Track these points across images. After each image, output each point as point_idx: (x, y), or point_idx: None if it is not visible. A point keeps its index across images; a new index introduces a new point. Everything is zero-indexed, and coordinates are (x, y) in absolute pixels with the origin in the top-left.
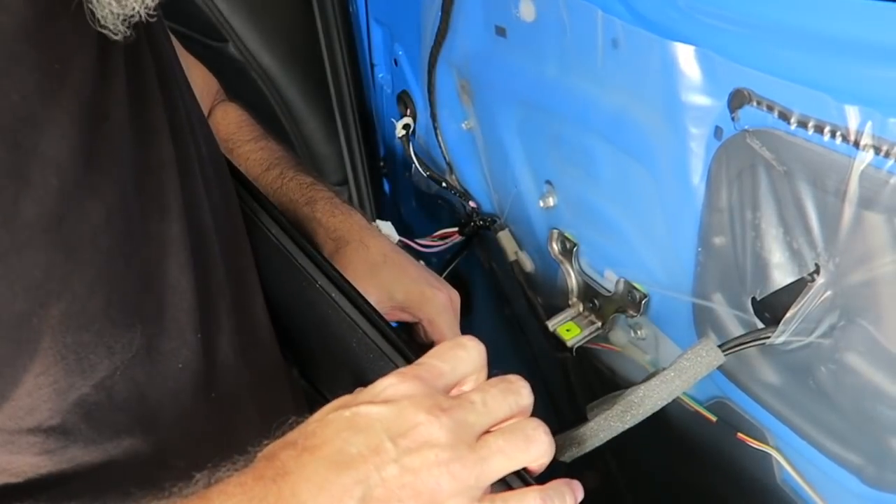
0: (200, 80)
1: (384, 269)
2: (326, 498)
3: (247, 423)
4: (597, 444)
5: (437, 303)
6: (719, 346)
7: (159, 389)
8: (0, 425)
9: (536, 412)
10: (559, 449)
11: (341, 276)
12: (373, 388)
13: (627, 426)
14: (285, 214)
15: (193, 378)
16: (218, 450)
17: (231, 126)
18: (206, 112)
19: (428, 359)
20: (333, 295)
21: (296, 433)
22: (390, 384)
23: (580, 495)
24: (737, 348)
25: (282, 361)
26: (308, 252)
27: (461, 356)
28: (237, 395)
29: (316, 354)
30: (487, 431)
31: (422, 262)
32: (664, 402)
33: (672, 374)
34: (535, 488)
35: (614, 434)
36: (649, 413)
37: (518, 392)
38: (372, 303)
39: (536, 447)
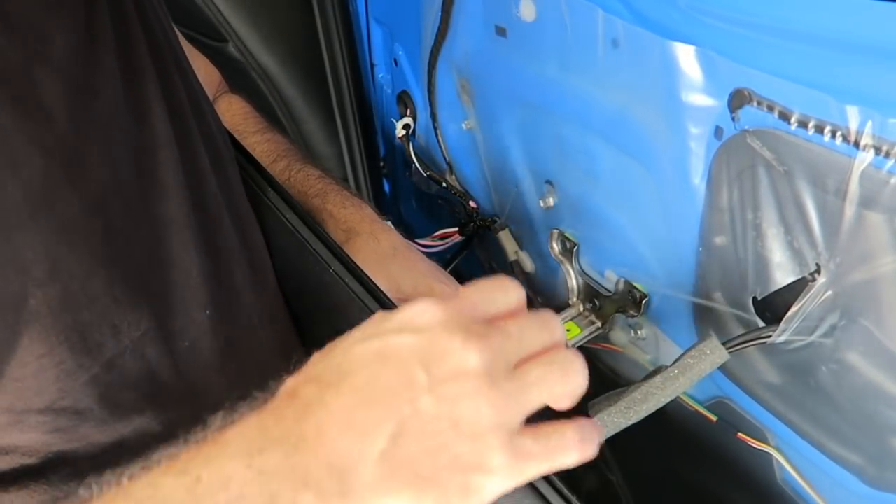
0: (202, 70)
1: (394, 261)
2: (354, 436)
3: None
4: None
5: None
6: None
7: (169, 368)
8: (8, 406)
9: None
10: None
11: (355, 263)
12: (400, 313)
13: (631, 422)
14: None
15: (203, 355)
16: None
17: (236, 117)
18: None
19: (463, 290)
20: (347, 280)
21: (320, 366)
22: (421, 310)
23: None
24: (739, 346)
25: (295, 336)
26: (322, 238)
27: (498, 297)
28: (250, 370)
29: (326, 341)
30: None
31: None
32: (668, 400)
33: (676, 372)
34: (569, 423)
35: (617, 430)
36: (653, 410)
37: (553, 329)
38: None
39: (574, 378)
